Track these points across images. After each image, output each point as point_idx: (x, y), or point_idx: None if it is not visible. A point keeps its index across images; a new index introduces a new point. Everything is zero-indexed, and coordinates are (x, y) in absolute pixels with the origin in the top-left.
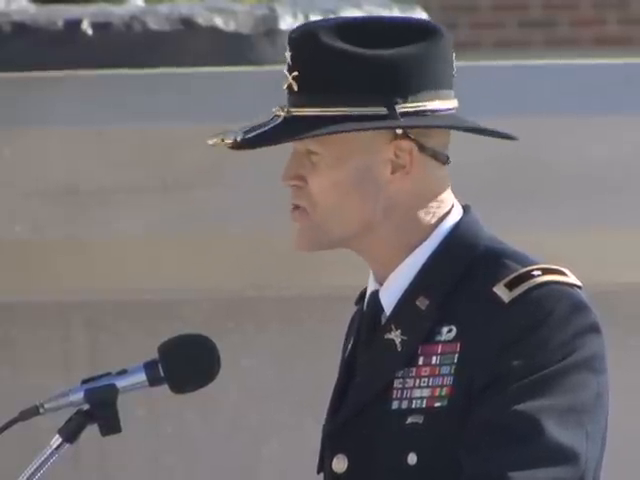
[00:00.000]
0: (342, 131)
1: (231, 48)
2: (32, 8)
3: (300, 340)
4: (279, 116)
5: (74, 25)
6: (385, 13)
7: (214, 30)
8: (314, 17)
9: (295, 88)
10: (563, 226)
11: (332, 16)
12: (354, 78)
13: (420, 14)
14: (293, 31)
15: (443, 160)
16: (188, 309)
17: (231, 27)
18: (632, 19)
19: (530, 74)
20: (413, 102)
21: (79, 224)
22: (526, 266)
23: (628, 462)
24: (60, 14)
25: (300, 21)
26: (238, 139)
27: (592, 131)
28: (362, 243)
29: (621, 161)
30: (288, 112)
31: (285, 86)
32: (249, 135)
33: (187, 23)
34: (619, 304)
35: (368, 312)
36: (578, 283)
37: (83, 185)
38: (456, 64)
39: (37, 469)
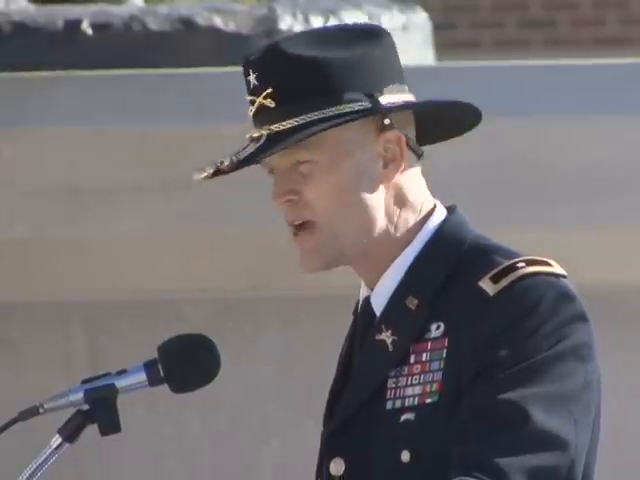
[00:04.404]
0: (336, 124)
1: (231, 48)
2: (32, 8)
3: (299, 340)
4: (259, 137)
5: (74, 25)
6: (385, 13)
7: (214, 30)
8: (314, 17)
9: (272, 104)
10: (563, 226)
11: (332, 16)
12: (331, 80)
13: (420, 14)
14: (251, 54)
15: (419, 154)
16: (188, 309)
17: (231, 27)
18: (632, 19)
19: (530, 74)
20: (390, 93)
21: (79, 224)
22: (511, 259)
23: (628, 462)
24: (60, 14)
25: (300, 21)
26: (234, 159)
27: (592, 131)
28: (364, 248)
29: (621, 161)
30: (269, 130)
31: (253, 110)
32: (239, 157)
33: (187, 23)
34: (619, 304)
35: (361, 317)
36: (563, 273)
37: (83, 185)
38: (456, 64)
39: (37, 469)
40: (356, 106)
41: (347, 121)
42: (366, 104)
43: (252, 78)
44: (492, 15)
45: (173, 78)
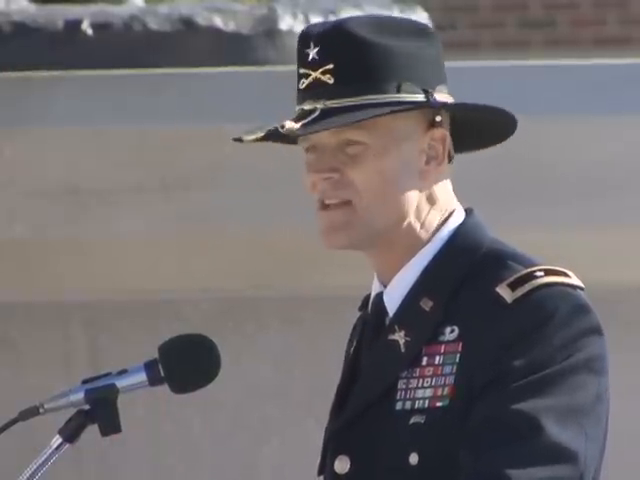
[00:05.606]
0: (395, 111)
1: (231, 48)
2: (32, 8)
3: (300, 340)
4: (313, 110)
5: (74, 25)
6: (385, 13)
7: (214, 30)
8: (314, 17)
9: (330, 81)
10: (563, 226)
11: (332, 16)
12: (392, 68)
13: (420, 14)
14: (315, 27)
15: (451, 157)
16: (188, 309)
17: (231, 27)
18: (632, 19)
19: (530, 74)
20: (440, 93)
21: (79, 224)
22: (529, 267)
23: (628, 463)
24: (60, 14)
25: (300, 21)
26: (287, 126)
27: (592, 131)
28: (387, 239)
29: (621, 161)
30: (324, 105)
31: (305, 83)
32: (292, 127)
33: (187, 23)
34: (619, 304)
35: (372, 314)
36: (580, 285)
37: (83, 185)
38: (456, 64)
39: (37, 469)
40: (412, 97)
41: (404, 110)
42: (421, 97)
43: (312, 51)
44: (492, 15)
45: (173, 78)
